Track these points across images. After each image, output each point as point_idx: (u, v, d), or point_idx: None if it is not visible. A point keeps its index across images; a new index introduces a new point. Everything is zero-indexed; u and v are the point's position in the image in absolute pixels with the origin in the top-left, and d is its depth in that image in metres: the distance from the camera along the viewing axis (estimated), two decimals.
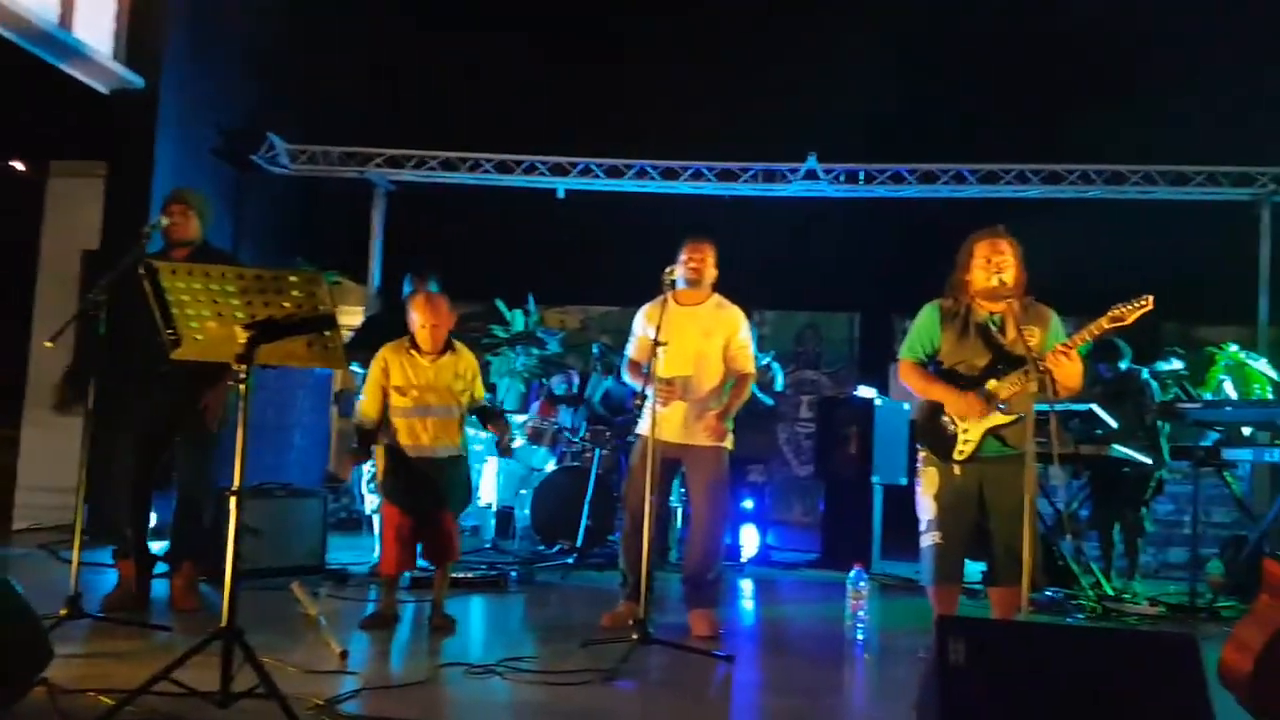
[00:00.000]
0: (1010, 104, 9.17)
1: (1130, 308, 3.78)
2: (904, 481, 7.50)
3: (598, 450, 6.69)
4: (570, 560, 6.29)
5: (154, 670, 2.95)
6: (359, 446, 4.49)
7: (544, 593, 5.70)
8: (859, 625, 4.50)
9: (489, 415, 4.73)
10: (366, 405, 4.47)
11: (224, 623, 2.89)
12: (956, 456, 4.00)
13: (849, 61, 9.15)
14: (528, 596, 5.54)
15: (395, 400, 4.44)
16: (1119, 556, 6.59)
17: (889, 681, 3.89)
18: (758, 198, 9.73)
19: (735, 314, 4.79)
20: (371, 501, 6.01)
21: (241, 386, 2.91)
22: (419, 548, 4.54)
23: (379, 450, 4.57)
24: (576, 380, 8.20)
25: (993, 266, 4.01)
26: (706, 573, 4.60)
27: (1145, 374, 6.43)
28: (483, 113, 9.95)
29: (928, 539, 4.04)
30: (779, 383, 7.41)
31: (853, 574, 4.62)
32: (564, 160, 9.63)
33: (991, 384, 3.96)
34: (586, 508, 6.42)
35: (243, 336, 2.91)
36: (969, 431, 3.99)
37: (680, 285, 4.74)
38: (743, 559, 7.18)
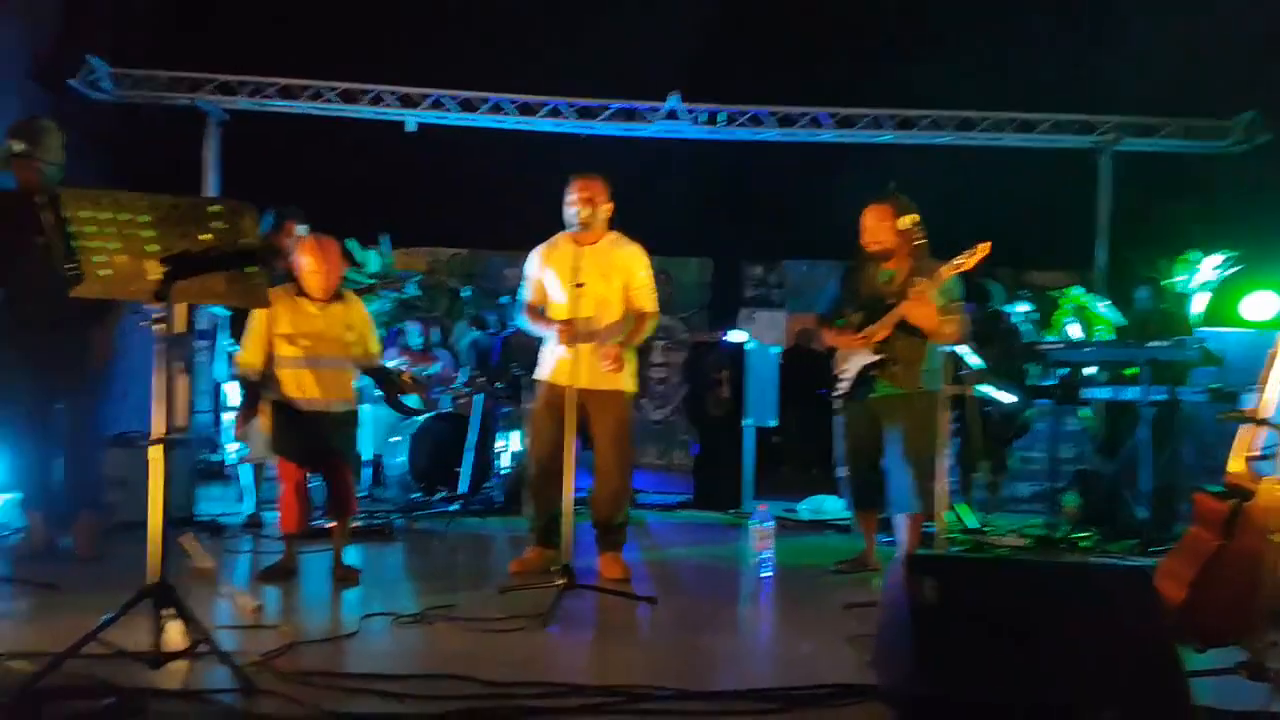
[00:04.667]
0: (866, 48, 9.35)
1: (969, 255, 4.25)
2: (774, 423, 7.71)
3: (480, 397, 6.51)
4: (454, 508, 6.11)
5: (56, 632, 2.86)
6: (247, 401, 4.14)
7: (430, 540, 5.53)
8: (766, 563, 4.57)
9: (385, 377, 4.35)
10: (249, 355, 4.12)
11: (153, 579, 2.66)
12: (836, 393, 4.62)
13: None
14: (415, 545, 5.36)
15: (282, 349, 4.10)
16: (977, 490, 6.98)
17: (811, 615, 3.96)
18: (615, 138, 9.58)
19: (634, 251, 4.68)
20: (233, 451, 5.64)
21: (157, 327, 2.61)
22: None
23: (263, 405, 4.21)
24: (434, 331, 7.99)
25: (868, 235, 4.58)
26: (615, 516, 4.54)
27: (1015, 317, 6.79)
28: (327, 37, 9.28)
29: (841, 472, 4.68)
30: None
31: (756, 514, 4.69)
32: (414, 91, 9.19)
33: (868, 329, 4.46)
34: (470, 455, 6.25)
35: (156, 272, 2.60)
36: (847, 372, 4.59)
37: (572, 226, 4.60)
38: None
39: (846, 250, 11.32)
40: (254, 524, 5.56)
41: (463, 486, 6.27)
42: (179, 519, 5.34)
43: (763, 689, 2.68)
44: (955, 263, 4.25)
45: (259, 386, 4.13)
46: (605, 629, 3.56)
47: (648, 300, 4.68)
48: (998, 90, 9.00)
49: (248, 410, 4.14)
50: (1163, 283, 7.19)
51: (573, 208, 4.43)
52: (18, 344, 4.25)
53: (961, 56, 8.74)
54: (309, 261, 4.06)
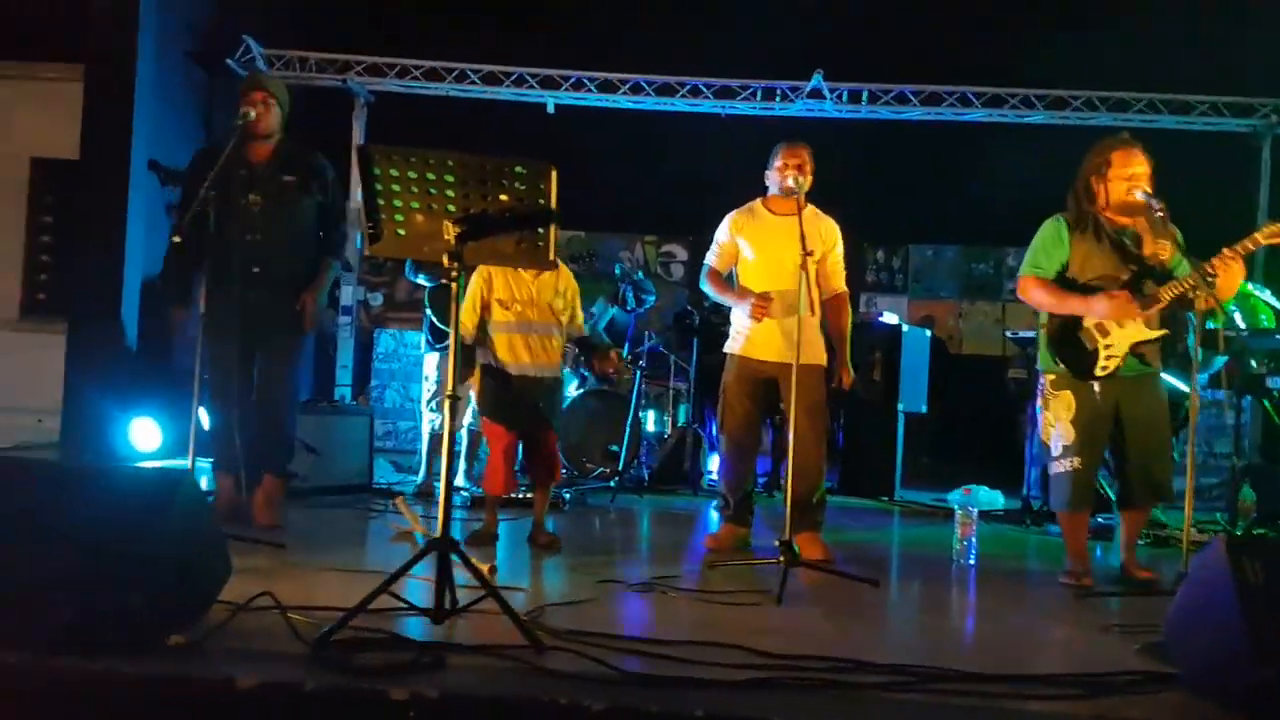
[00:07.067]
0: (1015, 26, 9.08)
1: None
2: (924, 409, 7.56)
3: (638, 373, 6.52)
4: (613, 484, 6.13)
5: (312, 589, 3.13)
6: (462, 364, 4.19)
7: (595, 515, 5.57)
8: (970, 550, 4.45)
9: (591, 347, 4.36)
10: (465, 318, 4.16)
11: (439, 533, 2.69)
12: (1099, 373, 3.92)
13: None
14: (585, 519, 5.40)
15: (497, 314, 4.15)
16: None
17: (1041, 601, 3.86)
18: (738, 119, 9.47)
19: (832, 226, 4.59)
20: (430, 421, 5.71)
21: (453, 286, 2.64)
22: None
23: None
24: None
25: (1132, 181, 3.93)
26: (812, 495, 4.45)
27: None
28: (470, 20, 9.37)
29: (1065, 464, 4.00)
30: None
31: (960, 501, 4.59)
32: (555, 73, 9.21)
33: (1150, 288, 3.86)
34: (628, 432, 6.27)
35: (451, 231, 2.62)
36: (1113, 347, 3.91)
37: (774, 192, 4.54)
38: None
39: (971, 235, 11.02)
40: (426, 493, 5.65)
41: (622, 464, 6.29)
42: (355, 486, 5.48)
43: (1055, 674, 2.61)
44: (1271, 229, 3.70)
45: (472, 350, 4.19)
46: (838, 608, 3.50)
47: (840, 278, 4.60)
48: (1152, 72, 8.67)
49: (463, 373, 4.18)
50: None
51: (787, 174, 4.35)
52: (223, 301, 4.24)
53: (1114, 36, 8.45)
54: None
